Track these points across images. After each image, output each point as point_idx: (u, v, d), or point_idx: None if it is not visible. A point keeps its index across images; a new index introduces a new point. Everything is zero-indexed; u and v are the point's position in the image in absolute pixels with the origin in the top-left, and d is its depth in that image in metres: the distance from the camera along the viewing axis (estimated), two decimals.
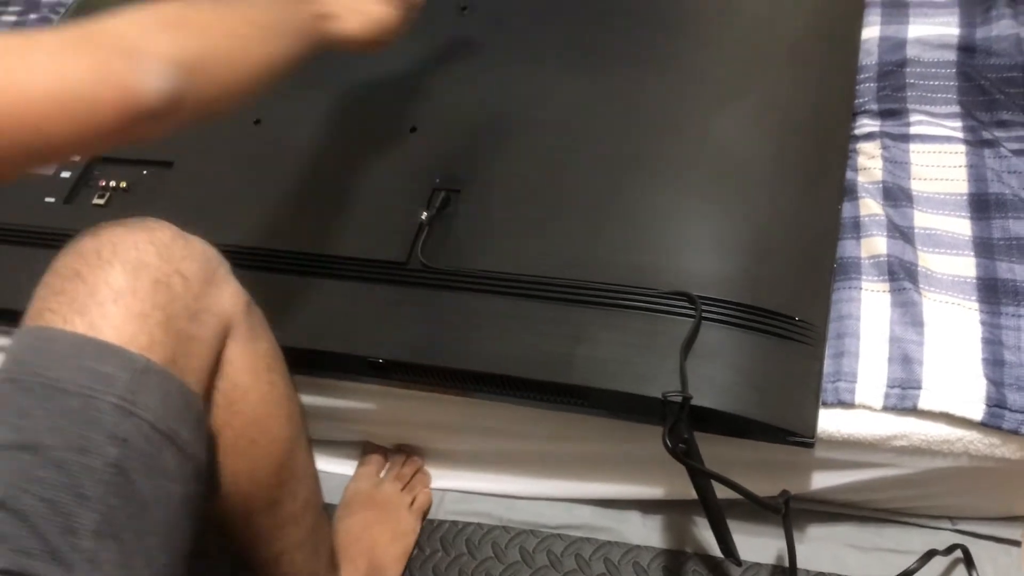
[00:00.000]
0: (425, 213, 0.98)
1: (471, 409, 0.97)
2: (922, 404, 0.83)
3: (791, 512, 0.86)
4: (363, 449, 1.13)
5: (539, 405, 0.90)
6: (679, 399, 0.80)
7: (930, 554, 0.89)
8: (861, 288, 0.91)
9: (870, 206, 0.96)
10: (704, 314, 0.87)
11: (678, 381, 0.82)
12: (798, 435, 0.83)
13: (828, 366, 0.87)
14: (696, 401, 0.81)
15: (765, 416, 0.83)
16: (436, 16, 1.21)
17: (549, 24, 1.19)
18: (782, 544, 0.90)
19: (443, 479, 1.11)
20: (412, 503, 1.07)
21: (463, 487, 1.10)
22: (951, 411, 0.82)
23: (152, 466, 0.63)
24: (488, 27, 1.21)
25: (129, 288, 0.65)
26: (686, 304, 0.88)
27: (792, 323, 0.87)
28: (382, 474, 1.11)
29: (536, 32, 1.18)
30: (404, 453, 1.11)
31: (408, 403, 0.99)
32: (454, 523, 1.07)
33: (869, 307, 0.90)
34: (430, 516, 1.08)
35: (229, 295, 0.73)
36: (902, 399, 0.83)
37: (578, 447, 1.00)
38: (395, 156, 1.07)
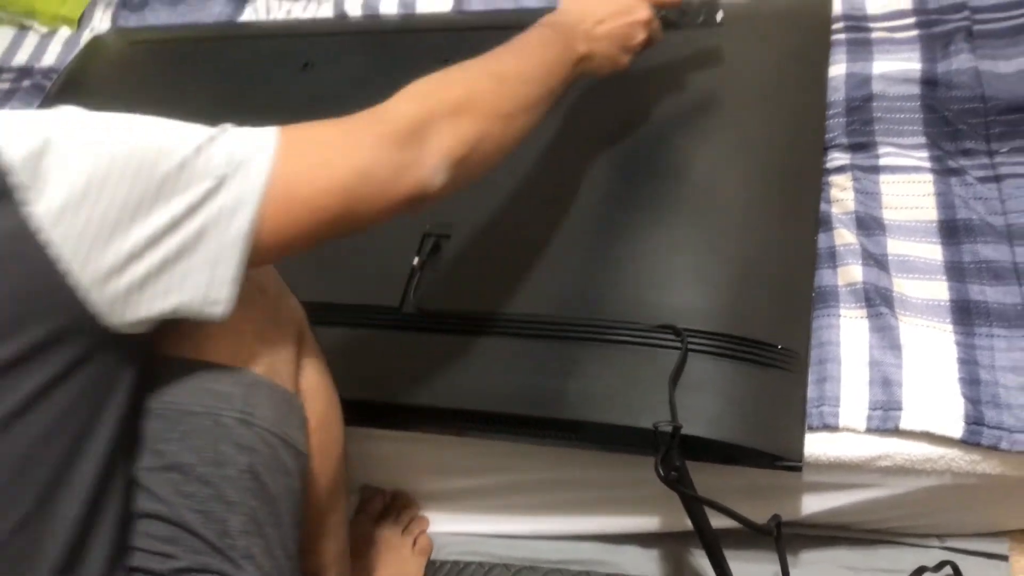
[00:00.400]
0: (417, 258, 1.02)
1: (467, 449, 0.99)
2: (903, 424, 0.86)
3: (784, 536, 0.88)
4: (361, 493, 1.14)
5: (534, 441, 0.93)
6: (669, 429, 0.82)
7: (920, 571, 0.91)
8: (839, 315, 0.94)
9: (844, 236, 1.00)
10: (690, 346, 0.90)
11: (668, 411, 0.85)
12: (786, 460, 0.86)
13: (812, 391, 0.89)
14: (686, 430, 0.83)
15: (753, 442, 0.86)
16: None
17: None
18: (776, 568, 0.91)
19: (442, 523, 1.12)
20: (414, 545, 1.09)
21: (462, 530, 1.11)
22: (932, 430, 0.85)
23: (275, 467, 0.71)
24: None
25: None
26: (672, 337, 0.91)
27: (775, 351, 0.90)
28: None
29: None
30: (403, 497, 1.13)
31: (406, 446, 1.01)
32: (455, 563, 1.08)
33: (848, 333, 0.93)
34: (431, 558, 1.09)
35: (295, 303, 0.80)
36: (884, 420, 0.86)
37: (575, 483, 1.02)
38: None
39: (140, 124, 0.64)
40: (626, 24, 0.95)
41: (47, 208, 0.59)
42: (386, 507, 1.12)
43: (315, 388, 0.80)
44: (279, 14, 1.54)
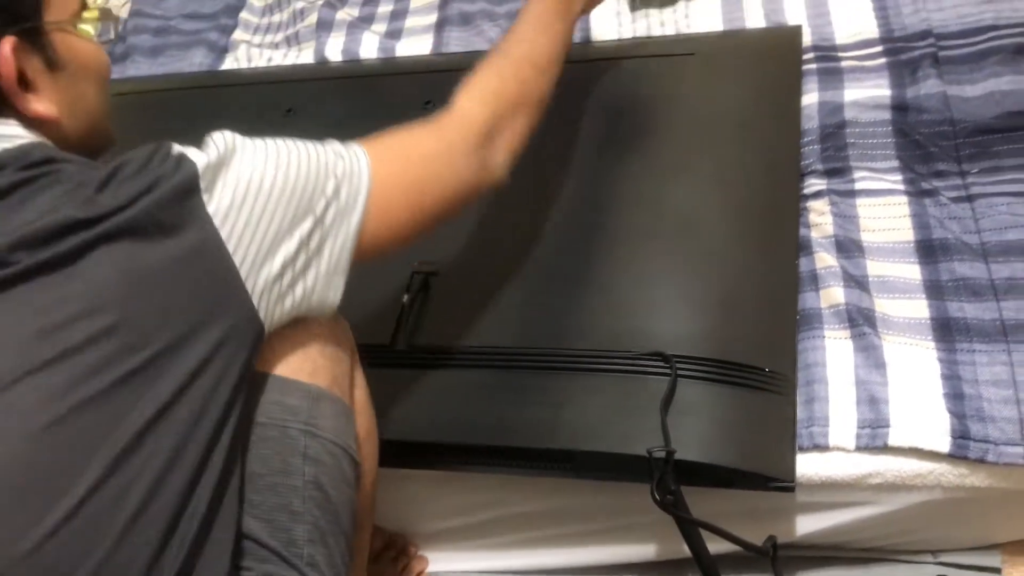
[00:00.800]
0: (406, 296, 1.03)
1: (463, 484, 0.99)
2: (892, 441, 0.87)
3: (780, 558, 0.89)
4: None
5: (529, 473, 0.93)
6: (663, 454, 0.83)
7: None
8: (824, 336, 0.96)
9: (825, 259, 1.02)
10: (679, 371, 0.91)
11: (660, 438, 0.86)
12: (779, 480, 0.87)
13: (801, 412, 0.91)
14: (679, 455, 0.84)
15: (746, 464, 0.87)
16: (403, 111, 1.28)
17: None
18: None
19: (440, 562, 1.12)
20: None
21: (461, 568, 1.11)
22: (920, 445, 0.86)
23: (338, 477, 0.74)
24: None
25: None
26: (661, 363, 0.92)
27: (763, 374, 0.92)
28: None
29: None
30: (401, 539, 1.13)
31: (401, 484, 1.01)
32: None
33: (833, 354, 0.94)
34: None
35: (346, 323, 0.83)
36: (873, 438, 0.88)
37: (570, 515, 1.02)
38: None
39: (294, 144, 0.72)
40: None
41: (217, 206, 0.65)
42: (385, 546, 1.12)
43: (363, 404, 0.84)
44: (260, 62, 1.56)
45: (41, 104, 0.70)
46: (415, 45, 1.48)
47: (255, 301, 0.66)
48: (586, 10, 1.05)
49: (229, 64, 1.58)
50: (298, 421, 0.72)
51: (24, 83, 0.69)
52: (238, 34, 1.65)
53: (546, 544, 1.07)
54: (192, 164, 0.65)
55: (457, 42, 1.46)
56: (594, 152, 1.15)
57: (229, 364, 0.65)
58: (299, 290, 0.70)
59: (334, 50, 1.51)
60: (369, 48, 1.50)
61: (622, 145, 1.15)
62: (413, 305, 1.03)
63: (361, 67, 1.48)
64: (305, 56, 1.54)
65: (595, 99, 1.24)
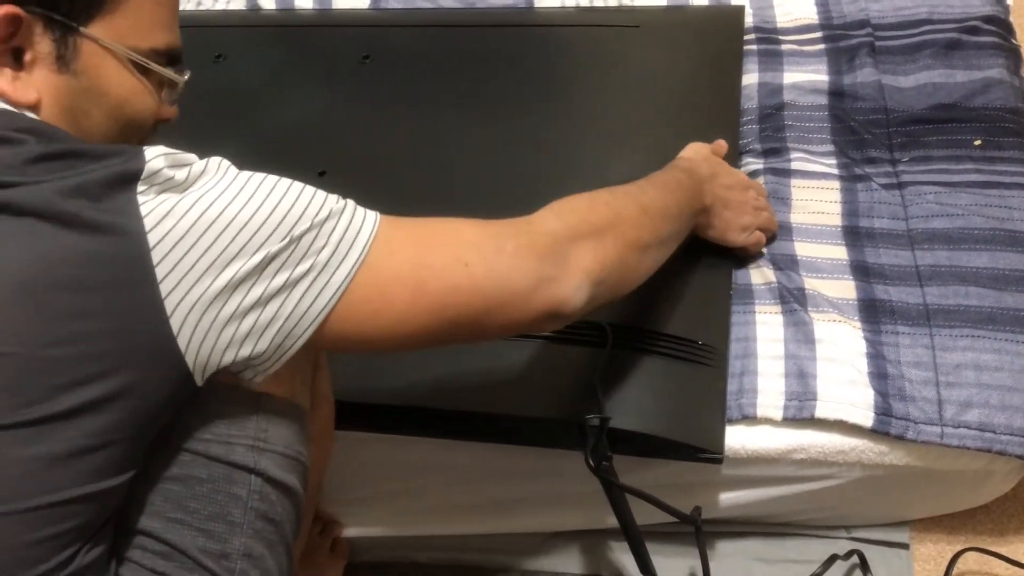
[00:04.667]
0: None
1: (388, 446, 0.97)
2: (818, 413, 0.89)
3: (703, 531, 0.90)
4: None
5: (461, 438, 0.92)
6: (597, 422, 0.83)
7: (832, 559, 0.95)
8: (756, 311, 0.97)
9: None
10: (615, 341, 0.91)
11: (595, 406, 0.86)
12: (708, 451, 0.87)
13: (731, 384, 0.92)
14: (613, 423, 0.84)
15: (676, 435, 0.87)
16: (339, 64, 1.24)
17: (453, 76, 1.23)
18: (695, 563, 0.93)
19: (363, 528, 1.08)
20: (332, 549, 1.06)
21: (383, 533, 1.09)
22: (845, 418, 0.88)
23: (285, 487, 0.69)
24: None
25: None
26: (598, 333, 0.92)
27: (696, 347, 0.92)
28: None
29: (441, 82, 1.22)
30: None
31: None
32: (377, 564, 1.06)
33: (764, 328, 0.96)
34: (352, 561, 1.07)
35: None
36: (800, 410, 0.89)
37: (497, 480, 1.01)
38: None
39: (282, 182, 0.64)
40: (741, 197, 0.99)
41: (153, 209, 0.58)
42: None
43: (324, 396, 0.81)
44: (189, 5, 1.49)
45: (18, 88, 0.63)
46: None
47: (174, 328, 0.58)
48: (714, 234, 0.97)
49: None
50: (246, 437, 0.67)
51: (17, 57, 0.64)
52: None
53: (469, 512, 1.06)
54: (142, 157, 0.59)
55: None
56: (532, 120, 1.14)
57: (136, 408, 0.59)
58: (247, 323, 0.61)
59: None
60: None
61: (562, 114, 1.15)
62: None
63: (296, 16, 1.43)
64: (237, 2, 1.48)
65: (536, 66, 1.23)
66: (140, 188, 0.58)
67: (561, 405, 0.87)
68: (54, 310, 0.56)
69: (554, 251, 0.69)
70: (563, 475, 0.94)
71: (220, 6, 1.48)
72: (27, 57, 0.64)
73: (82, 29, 0.65)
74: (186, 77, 0.74)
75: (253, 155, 1.13)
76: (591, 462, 0.80)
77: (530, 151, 1.10)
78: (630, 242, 0.76)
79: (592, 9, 1.33)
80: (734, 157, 1.09)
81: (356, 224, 0.64)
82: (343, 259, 0.62)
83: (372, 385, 0.91)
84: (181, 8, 1.46)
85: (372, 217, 0.65)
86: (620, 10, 1.31)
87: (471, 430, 0.91)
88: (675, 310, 0.95)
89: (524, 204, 1.02)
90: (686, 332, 0.93)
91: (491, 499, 1.02)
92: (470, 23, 1.33)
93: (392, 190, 1.08)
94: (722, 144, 1.05)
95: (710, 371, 0.91)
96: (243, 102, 1.24)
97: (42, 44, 0.64)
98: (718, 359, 0.92)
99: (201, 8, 1.49)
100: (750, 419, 0.90)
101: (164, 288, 0.58)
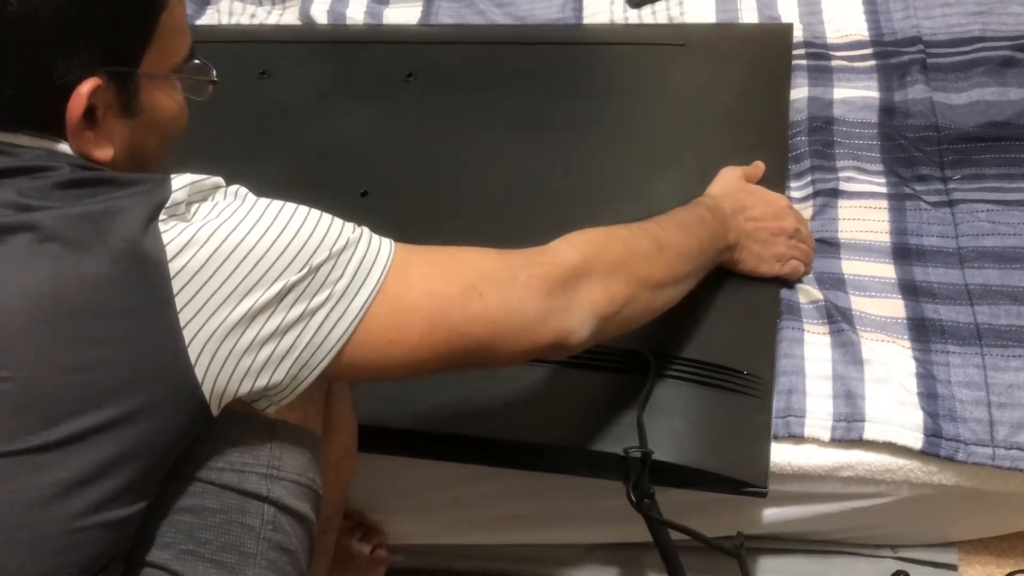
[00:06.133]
0: None
1: (430, 468, 0.98)
2: (867, 435, 0.88)
3: (745, 549, 0.89)
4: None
5: (503, 466, 0.92)
6: (639, 455, 0.83)
7: None
8: (804, 329, 0.96)
9: None
10: (658, 371, 0.91)
11: (636, 436, 0.85)
12: (751, 486, 0.86)
13: (778, 402, 0.92)
14: (654, 455, 0.84)
15: (720, 468, 0.87)
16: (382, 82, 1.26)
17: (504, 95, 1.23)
18: None
19: (402, 537, 1.10)
20: (372, 553, 1.08)
21: (421, 541, 1.10)
22: (894, 440, 0.88)
23: (299, 516, 0.68)
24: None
25: None
26: (641, 362, 0.91)
27: (741, 376, 0.91)
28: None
29: (484, 100, 1.22)
30: (357, 511, 1.11)
31: (366, 459, 0.99)
32: (417, 570, 1.07)
33: (812, 348, 0.95)
34: (393, 567, 1.08)
35: None
36: (848, 431, 0.89)
37: (538, 497, 1.01)
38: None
39: (300, 210, 0.64)
40: (773, 228, 0.97)
41: (175, 237, 0.58)
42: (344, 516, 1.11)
43: (344, 416, 0.80)
44: (243, 18, 1.52)
45: (99, 147, 0.65)
46: (404, 12, 1.45)
47: (192, 357, 0.58)
48: (744, 269, 0.96)
49: (209, 17, 1.54)
50: (259, 466, 0.66)
51: (90, 118, 0.64)
52: None
53: (508, 523, 1.06)
54: (168, 187, 0.60)
55: (447, 12, 1.44)
56: (577, 139, 1.14)
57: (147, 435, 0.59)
58: (264, 353, 0.61)
59: (320, 11, 1.48)
60: (356, 11, 1.47)
61: (606, 133, 1.15)
62: None
63: (344, 32, 1.45)
64: (290, 15, 1.50)
65: (581, 84, 1.23)
66: (163, 216, 0.59)
67: (603, 436, 0.87)
68: (70, 335, 0.56)
69: (565, 283, 0.70)
70: (604, 491, 0.94)
71: (274, 19, 1.51)
72: (99, 114, 0.64)
73: (140, 72, 0.66)
74: (213, 72, 0.74)
75: (295, 174, 1.17)
76: (633, 498, 0.80)
77: (574, 171, 1.11)
78: (643, 279, 0.76)
79: (640, 26, 1.33)
80: (781, 179, 1.08)
81: (372, 253, 0.64)
82: (359, 289, 0.63)
83: (416, 412, 0.91)
84: (229, 23, 1.51)
85: (388, 246, 0.66)
86: (668, 27, 1.32)
87: (511, 459, 0.91)
88: (720, 338, 0.94)
89: (567, 225, 1.02)
90: (731, 362, 0.92)
91: (532, 511, 1.03)
92: (514, 40, 1.34)
93: (434, 210, 1.09)
94: (759, 166, 1.04)
95: (755, 402, 0.90)
96: (286, 119, 1.25)
97: (107, 96, 0.64)
98: (763, 390, 0.91)
99: (254, 22, 1.51)
100: (797, 438, 0.90)
101: (183, 317, 0.58)
